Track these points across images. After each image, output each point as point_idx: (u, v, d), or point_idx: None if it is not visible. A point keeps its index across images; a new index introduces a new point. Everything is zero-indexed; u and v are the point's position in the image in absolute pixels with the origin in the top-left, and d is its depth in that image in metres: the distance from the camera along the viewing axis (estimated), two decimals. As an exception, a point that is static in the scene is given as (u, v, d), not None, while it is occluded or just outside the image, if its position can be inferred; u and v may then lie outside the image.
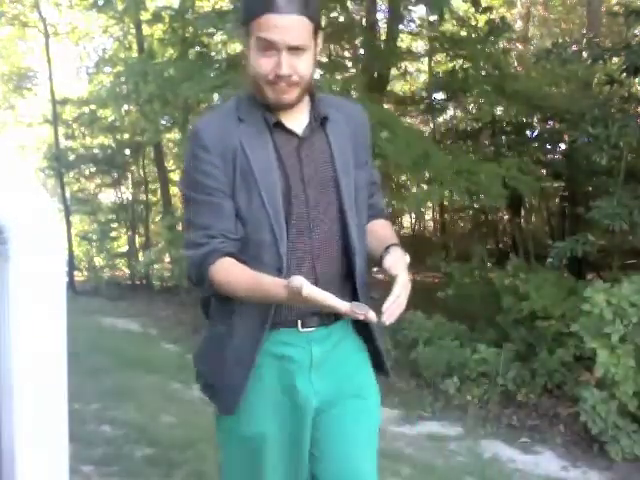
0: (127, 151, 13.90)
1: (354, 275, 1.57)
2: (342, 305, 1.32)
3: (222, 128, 1.47)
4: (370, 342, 1.64)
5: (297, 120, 1.51)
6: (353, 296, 1.55)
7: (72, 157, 13.51)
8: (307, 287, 1.29)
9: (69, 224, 13.26)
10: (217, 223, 1.45)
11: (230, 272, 1.43)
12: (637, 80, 7.04)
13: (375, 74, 8.96)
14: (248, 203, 1.45)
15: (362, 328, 1.61)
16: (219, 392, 1.56)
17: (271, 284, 1.38)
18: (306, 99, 1.53)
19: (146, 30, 12.18)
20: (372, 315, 1.33)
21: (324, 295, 1.31)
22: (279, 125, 1.49)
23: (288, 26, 1.37)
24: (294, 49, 1.40)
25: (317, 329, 1.54)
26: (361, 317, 1.32)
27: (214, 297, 1.56)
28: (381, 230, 1.65)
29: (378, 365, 1.67)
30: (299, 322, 1.52)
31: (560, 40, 7.55)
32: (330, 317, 1.55)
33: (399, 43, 10.52)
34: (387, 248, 1.56)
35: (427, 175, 7.69)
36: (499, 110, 9.46)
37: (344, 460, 1.56)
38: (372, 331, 1.62)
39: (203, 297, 1.63)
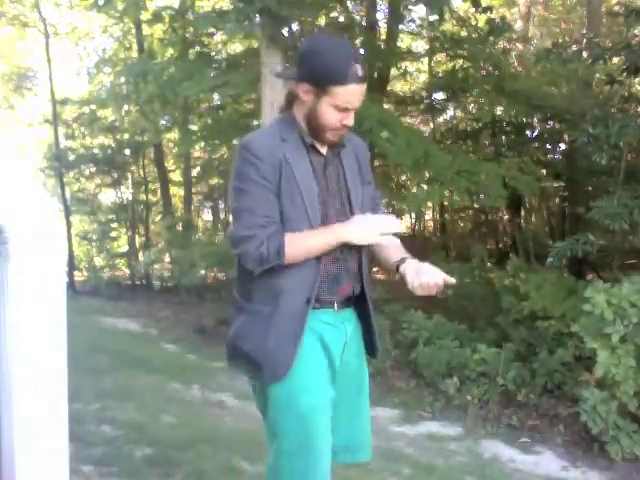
0: (127, 151, 13.89)
1: (361, 262, 1.95)
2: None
3: (270, 144, 1.82)
4: (366, 323, 2.00)
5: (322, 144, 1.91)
6: (360, 276, 1.95)
7: (72, 157, 13.49)
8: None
9: (69, 224, 13.25)
10: (274, 213, 1.80)
11: (295, 238, 1.78)
12: (637, 80, 7.04)
13: (375, 74, 8.96)
14: (291, 204, 1.80)
15: (362, 311, 1.99)
16: (266, 366, 1.80)
17: (328, 227, 1.83)
18: None
19: (146, 30, 12.18)
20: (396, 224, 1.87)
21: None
22: (312, 146, 1.88)
23: (362, 92, 1.78)
24: None
25: (345, 310, 1.92)
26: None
27: (259, 283, 1.83)
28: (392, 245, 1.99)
29: (370, 344, 2.02)
30: (335, 304, 1.88)
31: (560, 40, 7.57)
32: (352, 299, 1.94)
33: (399, 43, 10.52)
34: (403, 258, 1.89)
35: (427, 175, 7.69)
36: (499, 110, 9.45)
37: (358, 428, 2.00)
38: (370, 314, 1.98)
39: (244, 286, 1.89)
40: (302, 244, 1.79)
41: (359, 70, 1.73)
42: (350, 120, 1.80)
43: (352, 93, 1.75)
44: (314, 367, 1.83)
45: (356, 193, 1.93)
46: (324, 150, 1.90)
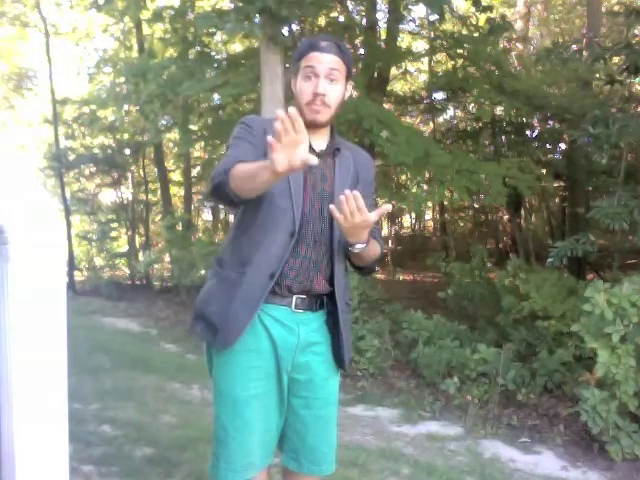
0: (127, 151, 13.87)
1: (333, 265, 1.92)
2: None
3: (264, 124, 1.89)
4: (335, 333, 1.96)
5: (317, 142, 1.92)
6: (331, 260, 1.91)
7: (72, 157, 13.48)
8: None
9: (69, 224, 13.24)
10: (243, 157, 1.78)
11: (237, 167, 1.74)
12: (637, 80, 7.04)
13: (375, 74, 8.97)
14: None
15: (333, 325, 1.96)
16: (222, 329, 1.86)
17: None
18: (328, 130, 1.96)
19: (146, 30, 12.17)
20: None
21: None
22: (309, 146, 1.84)
23: (326, 61, 1.86)
24: (329, 78, 1.86)
25: (304, 312, 1.91)
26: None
27: (234, 250, 1.90)
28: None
29: (337, 355, 1.98)
30: (292, 303, 1.89)
31: (560, 40, 7.57)
32: (317, 304, 1.93)
33: (399, 43, 10.53)
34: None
35: (427, 174, 7.70)
36: (499, 110, 9.46)
37: (318, 438, 1.97)
38: (339, 323, 1.94)
39: (222, 253, 1.96)
40: (245, 167, 1.74)
41: (322, 42, 1.88)
42: (320, 87, 1.84)
43: (313, 59, 1.86)
44: (253, 362, 1.87)
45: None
46: (318, 148, 1.92)
